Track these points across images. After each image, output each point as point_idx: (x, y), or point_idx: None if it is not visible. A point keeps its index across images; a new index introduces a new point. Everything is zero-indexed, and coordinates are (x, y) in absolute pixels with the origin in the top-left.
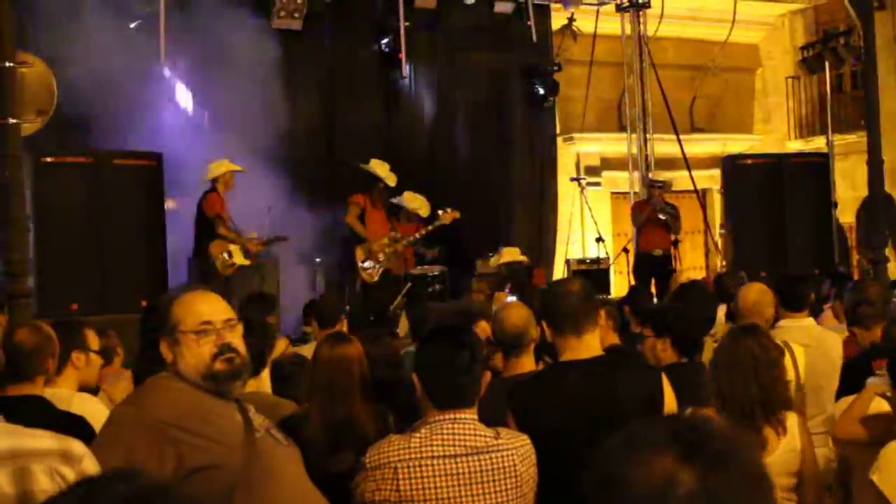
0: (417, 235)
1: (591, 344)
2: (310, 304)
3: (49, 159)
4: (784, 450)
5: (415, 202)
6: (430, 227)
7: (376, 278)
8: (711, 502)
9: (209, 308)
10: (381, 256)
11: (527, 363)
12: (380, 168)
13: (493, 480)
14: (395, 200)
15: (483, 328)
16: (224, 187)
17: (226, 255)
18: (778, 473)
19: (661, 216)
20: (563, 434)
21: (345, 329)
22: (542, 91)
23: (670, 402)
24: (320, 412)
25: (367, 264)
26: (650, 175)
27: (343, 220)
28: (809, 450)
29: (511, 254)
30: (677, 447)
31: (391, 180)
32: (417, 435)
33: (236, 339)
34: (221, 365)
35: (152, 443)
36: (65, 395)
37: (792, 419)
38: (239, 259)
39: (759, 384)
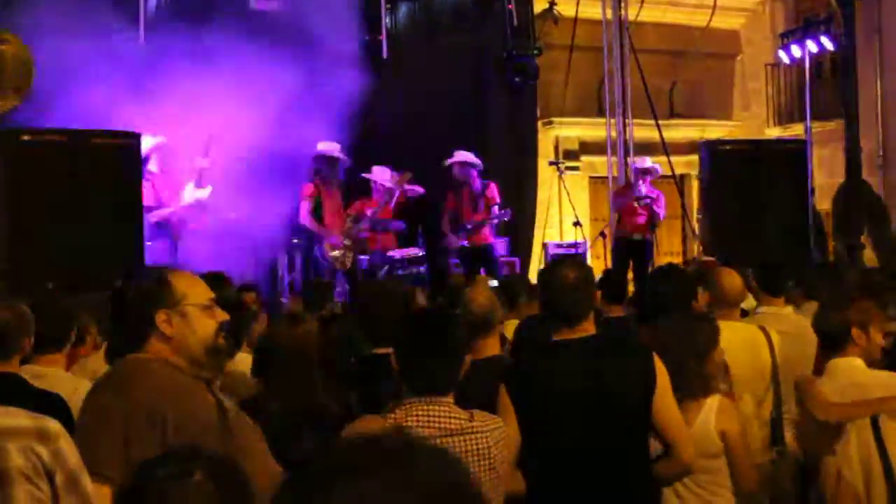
0: (374, 210)
1: (584, 327)
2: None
3: (26, 137)
4: (695, 431)
5: (384, 175)
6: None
7: (349, 264)
8: None
9: (208, 287)
10: (346, 241)
11: (493, 345)
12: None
13: (467, 462)
14: (366, 176)
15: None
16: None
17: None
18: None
19: (636, 204)
20: (557, 414)
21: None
22: (522, 75)
23: (663, 381)
24: (279, 394)
25: (335, 253)
26: (635, 162)
27: (298, 223)
28: (734, 435)
29: (463, 156)
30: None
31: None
32: (392, 416)
33: None
34: (224, 340)
35: (140, 426)
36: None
37: (708, 402)
38: None
39: (676, 368)
